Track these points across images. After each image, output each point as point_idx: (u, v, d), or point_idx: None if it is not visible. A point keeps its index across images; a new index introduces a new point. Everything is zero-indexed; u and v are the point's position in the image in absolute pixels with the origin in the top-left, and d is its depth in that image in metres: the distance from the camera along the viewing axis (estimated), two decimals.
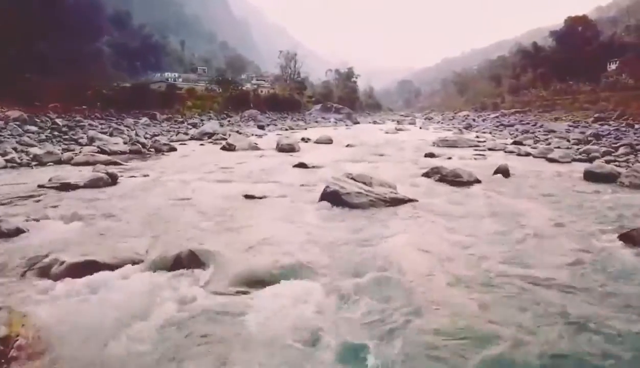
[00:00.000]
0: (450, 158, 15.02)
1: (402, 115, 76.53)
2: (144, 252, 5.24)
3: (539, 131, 26.62)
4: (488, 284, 4.53)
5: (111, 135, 20.10)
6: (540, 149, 15.67)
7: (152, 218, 6.94)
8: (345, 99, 72.69)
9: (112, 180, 9.65)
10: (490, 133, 29.44)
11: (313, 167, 12.69)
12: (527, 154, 15.86)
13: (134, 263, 4.76)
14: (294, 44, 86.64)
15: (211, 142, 21.22)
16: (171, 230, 6.29)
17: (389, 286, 4.43)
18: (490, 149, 18.08)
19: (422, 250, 5.56)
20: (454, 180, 10.27)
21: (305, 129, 37.48)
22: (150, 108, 31.65)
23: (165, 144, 17.72)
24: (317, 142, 22.00)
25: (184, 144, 20.44)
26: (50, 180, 9.27)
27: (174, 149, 17.48)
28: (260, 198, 8.52)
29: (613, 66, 60.25)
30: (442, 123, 53.74)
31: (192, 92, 38.87)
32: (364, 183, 8.34)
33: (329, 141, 22.03)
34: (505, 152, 16.98)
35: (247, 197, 8.54)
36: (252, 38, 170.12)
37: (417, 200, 8.26)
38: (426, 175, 10.98)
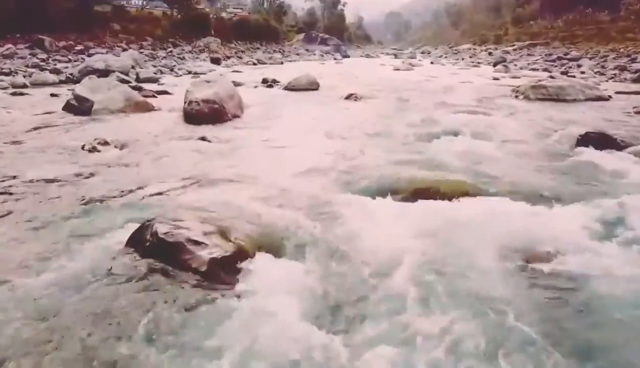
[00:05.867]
0: None
1: (394, 49, 64.24)
2: None
3: None
4: None
5: None
6: None
7: None
8: (333, 29, 59.55)
9: None
10: (548, 71, 18.56)
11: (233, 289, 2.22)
12: None
13: None
14: None
15: None
16: None
17: None
18: None
19: None
20: None
21: (281, 63, 25.90)
22: (52, 31, 19.77)
23: None
24: (290, 88, 11.07)
25: (22, 94, 9.47)
26: None
27: None
28: None
29: None
30: (447, 57, 42.30)
31: (121, 13, 26.18)
32: None
33: (312, 86, 11.13)
34: None
35: None
36: None
37: None
38: None
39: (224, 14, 44.01)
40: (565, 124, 6.42)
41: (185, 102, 6.62)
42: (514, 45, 42.60)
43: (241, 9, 63.13)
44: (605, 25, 42.58)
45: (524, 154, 4.61)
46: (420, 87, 11.76)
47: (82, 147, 4.75)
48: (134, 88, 10.18)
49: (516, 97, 9.57)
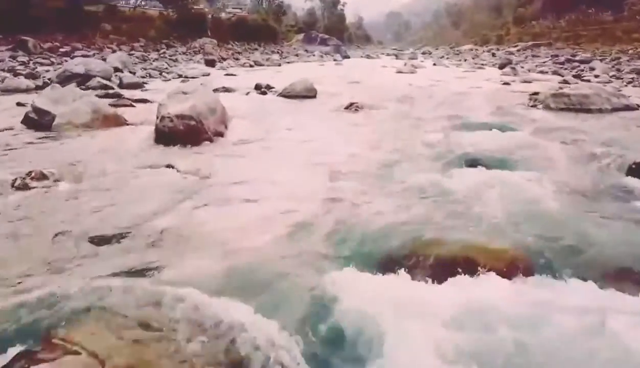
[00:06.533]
0: None
1: (395, 49, 63.15)
2: None
3: None
4: None
5: None
6: None
7: None
8: (333, 29, 58.51)
9: None
10: (559, 74, 17.52)
11: None
12: None
13: None
14: None
15: None
16: None
17: None
18: None
19: None
20: None
21: (279, 65, 24.84)
22: (38, 32, 18.76)
23: None
24: (285, 95, 10.08)
25: None
26: None
27: None
28: None
29: None
30: (449, 58, 41.22)
31: (113, 13, 24.98)
32: None
33: (309, 93, 10.09)
34: None
35: None
36: None
37: None
38: None
39: (222, 14, 42.90)
40: (603, 144, 5.42)
41: (157, 118, 5.60)
42: (517, 46, 41.58)
43: (240, 9, 62.13)
44: (609, 25, 41.80)
45: (572, 195, 3.58)
46: (427, 93, 10.74)
47: (13, 183, 3.74)
48: (113, 95, 9.22)
49: (535, 106, 8.57)
